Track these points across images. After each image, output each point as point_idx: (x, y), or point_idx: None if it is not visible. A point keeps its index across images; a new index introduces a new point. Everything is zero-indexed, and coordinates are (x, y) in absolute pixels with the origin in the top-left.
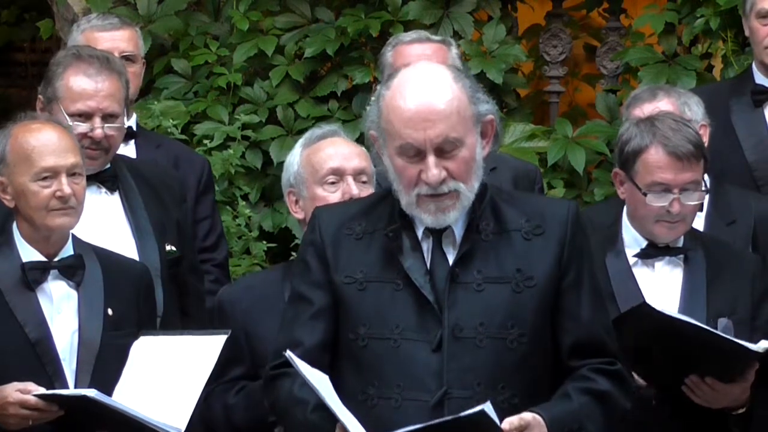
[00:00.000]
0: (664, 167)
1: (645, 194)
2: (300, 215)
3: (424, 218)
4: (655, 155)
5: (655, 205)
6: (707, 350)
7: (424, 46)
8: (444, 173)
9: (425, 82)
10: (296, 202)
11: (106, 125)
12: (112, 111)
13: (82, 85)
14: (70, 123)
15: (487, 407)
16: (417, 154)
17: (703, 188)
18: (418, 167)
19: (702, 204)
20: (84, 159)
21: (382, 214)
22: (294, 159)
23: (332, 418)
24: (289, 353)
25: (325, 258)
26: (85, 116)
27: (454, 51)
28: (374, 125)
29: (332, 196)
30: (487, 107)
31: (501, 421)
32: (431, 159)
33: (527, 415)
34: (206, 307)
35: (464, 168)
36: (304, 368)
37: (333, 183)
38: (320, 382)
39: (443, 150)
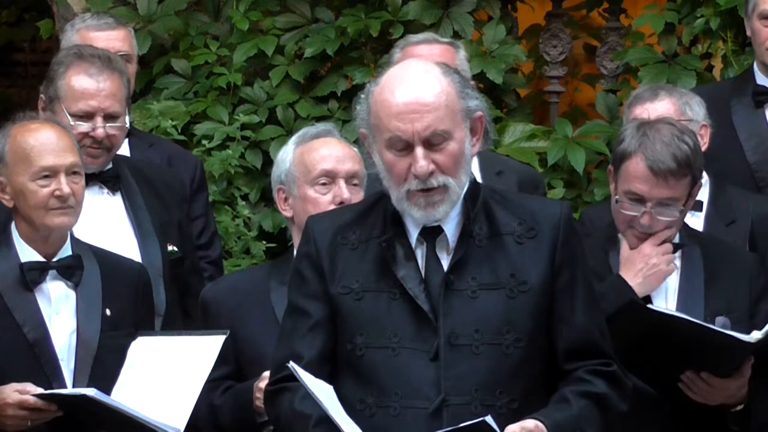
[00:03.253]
0: (641, 178)
1: (617, 201)
2: (288, 213)
3: (414, 213)
4: (635, 165)
5: (626, 214)
6: (699, 344)
7: (432, 47)
8: (432, 166)
9: (413, 76)
10: (285, 200)
11: (107, 125)
12: (113, 111)
13: (84, 84)
14: (72, 123)
15: (488, 418)
16: (405, 147)
17: (683, 207)
18: (407, 161)
19: (702, 206)
20: (83, 159)
21: (375, 220)
22: (286, 156)
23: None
24: (292, 365)
25: (321, 269)
26: (87, 116)
27: (461, 53)
28: (364, 123)
29: (323, 198)
30: (477, 103)
31: (502, 428)
32: (419, 151)
33: (529, 423)
34: None
35: (453, 162)
36: (307, 379)
37: (324, 184)
38: (324, 392)
39: (431, 143)
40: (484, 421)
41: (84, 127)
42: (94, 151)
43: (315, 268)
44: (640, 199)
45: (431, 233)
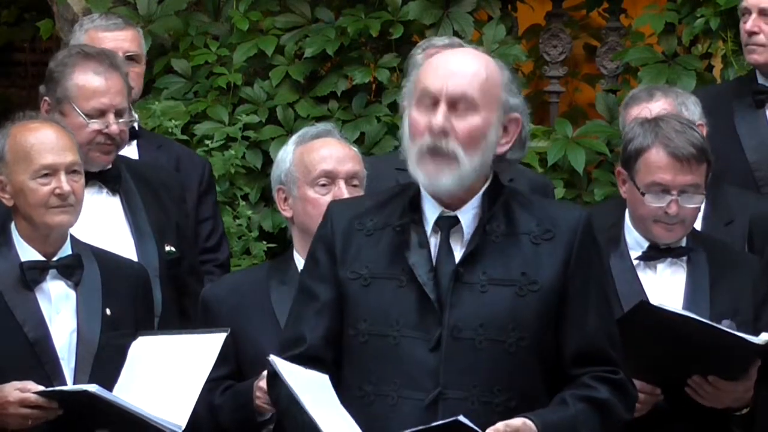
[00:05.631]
0: (664, 168)
1: (643, 194)
2: (288, 213)
3: (420, 177)
4: (656, 155)
5: (652, 206)
6: (708, 345)
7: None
8: (448, 126)
9: (465, 52)
10: (285, 200)
11: (119, 121)
12: (122, 107)
13: (93, 83)
14: (87, 122)
15: (462, 417)
16: (432, 103)
17: (704, 192)
18: (428, 118)
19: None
20: (82, 157)
21: (394, 209)
22: (286, 156)
23: None
24: (272, 358)
25: (334, 252)
26: (100, 113)
27: None
28: (407, 93)
29: (323, 198)
30: (518, 103)
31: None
32: (442, 107)
33: (516, 421)
34: None
35: (470, 135)
36: (291, 372)
37: (324, 185)
38: (316, 383)
39: (456, 106)
40: (457, 420)
41: (97, 124)
42: (108, 147)
43: (328, 249)
44: (664, 190)
45: (447, 223)
